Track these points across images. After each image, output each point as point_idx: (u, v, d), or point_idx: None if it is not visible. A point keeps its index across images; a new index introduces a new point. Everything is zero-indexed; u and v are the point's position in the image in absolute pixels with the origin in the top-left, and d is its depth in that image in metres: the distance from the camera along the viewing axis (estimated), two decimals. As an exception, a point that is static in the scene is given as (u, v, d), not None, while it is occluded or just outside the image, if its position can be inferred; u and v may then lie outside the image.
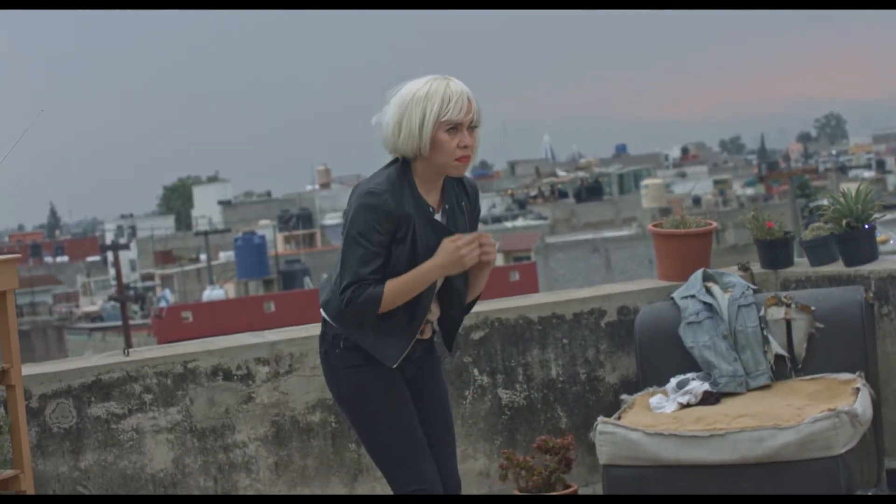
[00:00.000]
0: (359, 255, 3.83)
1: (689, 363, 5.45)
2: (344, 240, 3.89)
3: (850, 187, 5.96)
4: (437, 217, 3.92)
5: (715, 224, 6.03)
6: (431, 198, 3.93)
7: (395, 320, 3.90)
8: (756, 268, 6.04)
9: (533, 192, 66.67)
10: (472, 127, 3.86)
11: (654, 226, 6.09)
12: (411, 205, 3.85)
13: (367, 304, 3.82)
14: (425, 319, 3.98)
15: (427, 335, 4.04)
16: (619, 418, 5.21)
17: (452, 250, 3.84)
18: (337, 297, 3.88)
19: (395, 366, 3.93)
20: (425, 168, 3.88)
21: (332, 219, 60.34)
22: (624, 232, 48.06)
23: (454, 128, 3.82)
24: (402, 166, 3.89)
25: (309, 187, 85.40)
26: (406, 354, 3.96)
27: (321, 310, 4.02)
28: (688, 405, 5.22)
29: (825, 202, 5.99)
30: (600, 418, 5.17)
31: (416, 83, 3.87)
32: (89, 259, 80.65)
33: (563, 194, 64.95)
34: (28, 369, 5.12)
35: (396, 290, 3.84)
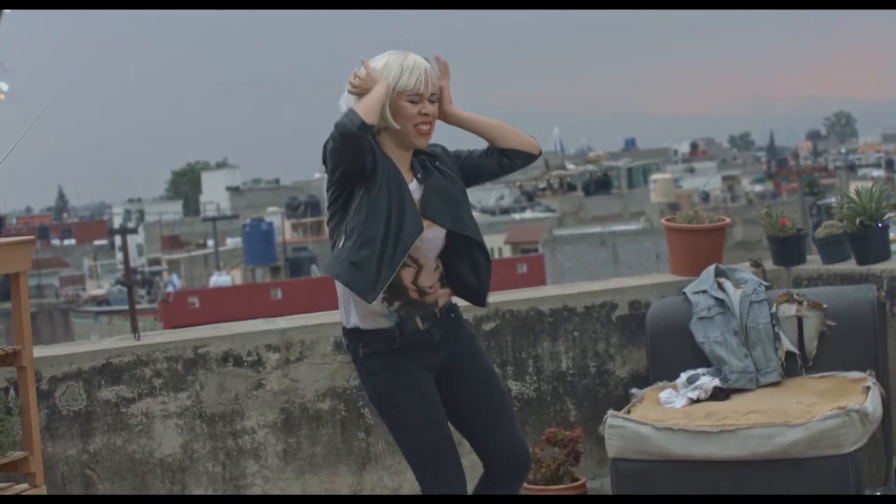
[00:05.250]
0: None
1: (699, 358, 5.45)
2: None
3: (862, 186, 5.94)
4: (411, 186, 3.98)
5: (728, 220, 6.02)
6: (402, 169, 4.00)
7: (375, 255, 3.88)
8: (768, 264, 6.03)
9: (542, 185, 66.57)
10: (431, 100, 3.99)
11: (667, 220, 6.07)
12: (387, 160, 3.94)
13: (346, 117, 3.84)
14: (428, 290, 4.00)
15: (440, 303, 4.05)
16: (628, 412, 5.20)
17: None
18: (338, 258, 3.91)
19: (372, 300, 3.89)
20: (390, 140, 3.98)
21: (340, 207, 60.11)
22: (631, 226, 48.01)
23: (415, 98, 3.95)
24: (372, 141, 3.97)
25: (317, 175, 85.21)
26: (419, 338, 3.98)
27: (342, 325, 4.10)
28: (698, 400, 5.21)
29: (834, 200, 5.98)
30: (610, 412, 5.16)
31: (375, 59, 4.01)
32: (96, 243, 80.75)
33: (572, 187, 64.88)
34: (39, 351, 5.13)
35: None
